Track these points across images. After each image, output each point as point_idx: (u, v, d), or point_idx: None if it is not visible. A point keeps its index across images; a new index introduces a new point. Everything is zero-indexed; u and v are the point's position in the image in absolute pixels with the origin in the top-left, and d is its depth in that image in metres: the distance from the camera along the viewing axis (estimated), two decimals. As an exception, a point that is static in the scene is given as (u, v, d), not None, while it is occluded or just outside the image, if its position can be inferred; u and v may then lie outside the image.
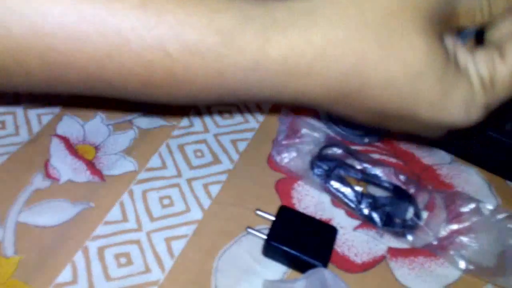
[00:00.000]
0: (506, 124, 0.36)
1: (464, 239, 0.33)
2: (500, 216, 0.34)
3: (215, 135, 0.42)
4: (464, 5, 0.21)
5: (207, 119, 0.43)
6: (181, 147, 0.40)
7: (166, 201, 0.36)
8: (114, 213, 0.34)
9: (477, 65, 0.21)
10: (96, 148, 0.38)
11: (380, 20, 0.19)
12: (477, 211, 0.34)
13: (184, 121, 0.43)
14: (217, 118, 0.44)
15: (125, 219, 0.34)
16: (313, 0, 0.21)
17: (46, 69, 0.21)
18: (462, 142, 0.39)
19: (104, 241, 0.33)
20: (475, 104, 0.21)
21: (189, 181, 0.38)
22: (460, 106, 0.21)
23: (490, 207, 0.34)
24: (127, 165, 0.38)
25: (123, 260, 0.32)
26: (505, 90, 0.21)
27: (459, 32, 0.22)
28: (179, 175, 0.38)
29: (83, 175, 0.36)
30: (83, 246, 0.32)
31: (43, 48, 0.20)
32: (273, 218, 0.34)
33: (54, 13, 0.19)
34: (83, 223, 0.33)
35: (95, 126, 0.40)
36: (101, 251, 0.32)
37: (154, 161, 0.38)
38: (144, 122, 0.41)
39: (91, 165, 0.37)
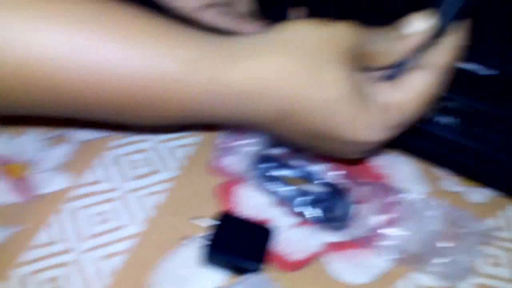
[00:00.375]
0: (433, 116, 0.37)
1: (391, 229, 0.33)
2: (421, 205, 0.34)
3: (155, 143, 0.41)
4: (370, 48, 0.26)
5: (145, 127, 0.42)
6: (117, 159, 0.39)
7: (99, 218, 0.35)
8: (42, 236, 0.33)
9: (378, 94, 0.26)
10: (27, 165, 0.37)
11: (310, 52, 0.24)
12: (402, 201, 0.35)
13: (120, 133, 0.42)
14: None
15: (53, 241, 0.33)
16: (261, 37, 0.25)
17: (27, 94, 0.23)
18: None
19: (29, 268, 0.31)
20: (377, 125, 0.26)
21: (125, 194, 0.36)
22: (366, 127, 0.25)
23: (414, 196, 0.35)
24: (60, 181, 0.36)
25: (50, 287, 0.31)
26: (399, 112, 0.26)
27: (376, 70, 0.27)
28: (114, 189, 0.37)
29: (8, 196, 0.34)
30: (5, 276, 0.31)
31: (27, 74, 0.22)
32: (209, 225, 0.33)
33: (49, 44, 0.22)
34: (7, 249, 0.32)
35: (25, 141, 0.38)
36: (24, 279, 0.31)
37: (89, 176, 0.37)
38: (80, 134, 0.40)
39: (18, 185, 0.35)
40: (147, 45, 0.23)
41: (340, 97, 0.24)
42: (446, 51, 0.25)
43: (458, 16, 0.25)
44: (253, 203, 0.37)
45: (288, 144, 0.30)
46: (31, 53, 0.22)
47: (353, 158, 0.29)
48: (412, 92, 0.25)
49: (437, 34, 0.25)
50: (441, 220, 0.33)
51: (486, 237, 0.34)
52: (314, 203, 0.35)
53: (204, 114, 0.26)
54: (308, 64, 0.24)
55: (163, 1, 0.38)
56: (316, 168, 0.38)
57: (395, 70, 0.26)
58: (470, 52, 0.29)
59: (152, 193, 0.37)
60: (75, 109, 0.25)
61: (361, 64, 0.26)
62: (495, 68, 0.38)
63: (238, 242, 0.32)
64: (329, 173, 0.37)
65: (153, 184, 0.37)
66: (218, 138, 0.40)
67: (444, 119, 0.37)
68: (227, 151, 0.39)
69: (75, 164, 0.37)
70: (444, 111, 0.37)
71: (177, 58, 0.24)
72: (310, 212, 0.35)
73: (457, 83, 0.29)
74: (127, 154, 0.39)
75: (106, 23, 0.23)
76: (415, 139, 0.38)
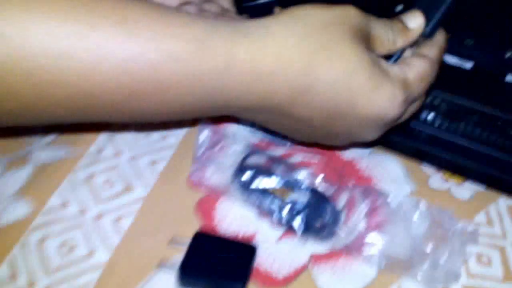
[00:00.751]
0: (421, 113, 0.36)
1: (376, 234, 0.31)
2: (408, 207, 0.33)
3: (129, 159, 0.38)
4: (375, 33, 0.27)
5: (119, 141, 0.39)
6: (87, 179, 0.36)
7: (66, 247, 0.32)
8: (2, 272, 0.30)
9: (396, 71, 0.27)
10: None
11: (318, 31, 0.25)
12: (389, 204, 0.33)
13: (92, 147, 0.39)
14: (131, 138, 0.39)
15: (14, 277, 0.30)
16: (272, 18, 0.25)
17: (33, 89, 0.22)
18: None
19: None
20: (398, 98, 0.26)
21: (95, 218, 0.34)
22: (387, 99, 0.26)
23: (401, 198, 0.34)
24: (20, 209, 0.33)
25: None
26: (416, 88, 0.27)
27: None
28: (83, 213, 0.34)
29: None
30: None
31: (29, 68, 0.21)
32: (187, 246, 0.30)
33: (40, 32, 0.21)
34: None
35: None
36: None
37: (54, 201, 0.34)
38: (43, 154, 0.37)
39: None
40: (153, 24, 0.23)
41: (357, 69, 0.25)
42: (437, 46, 0.28)
43: (446, 16, 0.28)
44: (236, 217, 0.34)
45: (292, 138, 0.30)
46: (30, 46, 0.21)
47: (363, 140, 0.30)
48: (417, 74, 0.27)
49: (431, 31, 0.28)
50: (429, 223, 0.32)
51: (474, 237, 0.32)
52: (300, 212, 0.33)
53: (215, 100, 0.25)
54: (323, 39, 0.24)
55: None
56: (300, 174, 0.35)
57: (393, 59, 0.29)
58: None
59: (125, 214, 0.34)
60: (84, 103, 0.23)
61: (367, 45, 0.26)
62: (470, 60, 0.37)
63: (217, 263, 0.30)
64: (314, 179, 0.35)
65: (128, 204, 0.35)
66: (196, 149, 0.37)
67: (425, 115, 0.36)
68: (205, 162, 0.36)
69: (40, 188, 0.35)
70: (426, 107, 0.36)
71: (188, 36, 0.23)
72: (296, 222, 0.33)
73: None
74: (98, 172, 0.36)
75: (106, 10, 0.22)
76: (400, 136, 0.36)
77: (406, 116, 0.30)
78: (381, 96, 0.25)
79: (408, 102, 0.27)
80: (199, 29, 0.23)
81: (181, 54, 0.23)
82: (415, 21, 0.28)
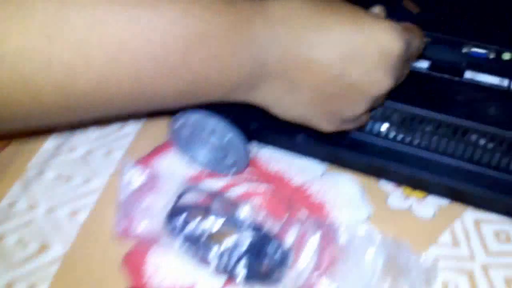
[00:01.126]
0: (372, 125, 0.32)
1: (327, 277, 0.27)
2: (359, 243, 0.29)
3: (46, 211, 0.33)
4: None
5: (35, 190, 0.34)
6: (-6, 241, 0.30)
7: None
8: None
9: None
10: None
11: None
12: (339, 238, 0.29)
13: (4, 201, 0.33)
14: (49, 185, 0.34)
15: None
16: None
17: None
18: (331, 147, 0.33)
19: None
20: (397, 27, 0.25)
21: (5, 283, 0.28)
22: (389, 26, 0.25)
23: (354, 229, 0.29)
24: None
25: None
26: (407, 32, 0.26)
27: None
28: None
29: None
30: None
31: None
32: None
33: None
34: None
35: None
36: None
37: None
38: None
39: None
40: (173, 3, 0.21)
41: (360, 11, 0.25)
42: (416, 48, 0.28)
43: None
44: (170, 269, 0.29)
45: (283, 115, 0.27)
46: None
47: (354, 117, 0.27)
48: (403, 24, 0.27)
49: None
50: (384, 260, 0.28)
51: (434, 271, 0.29)
52: (242, 257, 0.28)
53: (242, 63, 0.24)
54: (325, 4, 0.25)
55: None
56: (243, 210, 0.30)
57: None
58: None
59: (40, 279, 0.29)
60: (110, 92, 0.21)
61: None
62: (426, 59, 0.34)
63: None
64: (258, 214, 0.30)
65: (42, 266, 0.29)
66: (120, 193, 0.32)
67: (378, 127, 0.32)
68: (133, 208, 0.31)
69: None
70: (378, 118, 0.32)
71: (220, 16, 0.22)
72: (239, 269, 0.28)
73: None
74: (8, 232, 0.31)
75: None
76: (354, 152, 0.32)
77: (406, 71, 0.28)
78: (382, 25, 0.25)
79: (407, 42, 0.26)
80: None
81: (209, 33, 0.22)
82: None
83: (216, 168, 0.35)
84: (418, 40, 0.27)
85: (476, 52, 0.34)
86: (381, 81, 0.25)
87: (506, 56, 0.33)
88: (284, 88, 0.25)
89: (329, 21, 0.24)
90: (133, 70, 0.21)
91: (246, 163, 0.34)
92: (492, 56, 0.34)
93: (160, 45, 0.21)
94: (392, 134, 0.32)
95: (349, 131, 0.32)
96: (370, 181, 0.34)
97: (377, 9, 0.28)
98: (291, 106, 0.26)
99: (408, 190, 0.34)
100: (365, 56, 0.24)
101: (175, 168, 0.35)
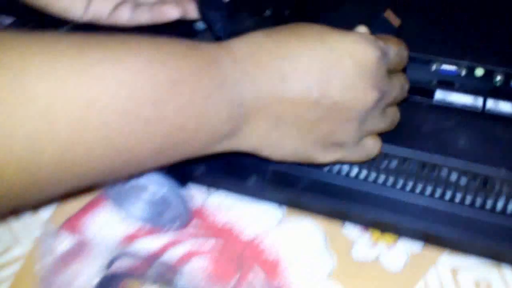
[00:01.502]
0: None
1: None
2: None
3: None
4: None
5: None
6: None
7: None
8: None
9: None
10: None
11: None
12: None
13: None
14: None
15: None
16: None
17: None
18: (288, 190, 0.29)
19: None
20: (369, 37, 0.24)
21: None
22: (358, 36, 0.24)
23: None
24: None
25: None
26: (385, 44, 0.25)
27: None
28: None
29: None
30: None
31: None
32: None
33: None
34: None
35: None
36: None
37: None
38: None
39: None
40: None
41: (323, 27, 0.24)
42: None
43: None
44: None
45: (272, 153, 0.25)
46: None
47: (363, 104, 0.24)
48: (382, 37, 0.26)
49: None
50: None
51: None
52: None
53: (231, 104, 0.23)
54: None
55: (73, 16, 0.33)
56: (184, 275, 0.26)
57: None
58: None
59: None
60: (112, 161, 0.20)
61: None
62: None
63: None
64: (202, 278, 0.26)
65: None
66: (40, 264, 0.27)
67: (340, 164, 0.28)
68: (55, 281, 0.26)
69: None
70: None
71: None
72: None
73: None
74: None
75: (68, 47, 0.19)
76: (315, 193, 0.28)
77: (397, 82, 0.26)
78: (352, 37, 0.24)
79: (382, 49, 0.24)
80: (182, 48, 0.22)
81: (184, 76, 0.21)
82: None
83: (156, 223, 0.30)
84: (395, 48, 0.25)
85: (446, 70, 0.31)
86: (363, 93, 0.24)
87: (479, 72, 0.30)
88: (268, 126, 0.24)
89: (297, 47, 0.23)
90: (103, 129, 0.19)
91: (188, 217, 0.29)
92: (464, 73, 0.30)
93: (129, 99, 0.20)
94: (354, 172, 0.28)
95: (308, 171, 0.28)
96: (333, 225, 0.30)
97: (361, 30, 0.26)
98: (280, 143, 0.25)
99: (376, 234, 0.30)
100: (340, 72, 0.23)
101: (108, 227, 0.30)
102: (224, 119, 0.22)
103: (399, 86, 0.26)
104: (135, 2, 0.34)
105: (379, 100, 0.24)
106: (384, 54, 0.24)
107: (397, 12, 0.29)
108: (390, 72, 0.25)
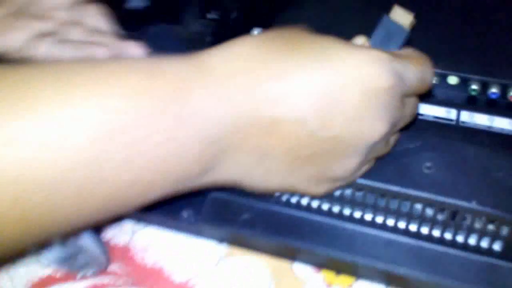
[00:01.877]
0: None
1: None
2: None
3: None
4: None
5: None
6: None
7: None
8: None
9: None
10: None
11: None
12: None
13: None
14: None
15: None
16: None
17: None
18: (228, 224, 0.25)
19: None
20: (382, 57, 0.20)
21: None
22: (369, 57, 0.20)
23: None
24: None
25: None
26: (404, 61, 0.21)
27: None
28: None
29: None
30: None
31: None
32: None
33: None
34: None
35: None
36: None
37: None
38: None
39: None
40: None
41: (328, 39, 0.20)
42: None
43: None
44: None
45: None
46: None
47: (368, 140, 0.20)
48: (402, 53, 0.23)
49: None
50: None
51: None
52: None
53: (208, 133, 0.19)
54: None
55: None
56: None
57: None
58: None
59: None
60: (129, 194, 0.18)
61: None
62: None
63: None
64: None
65: None
66: None
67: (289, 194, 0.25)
68: None
69: None
70: None
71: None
72: None
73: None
74: None
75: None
76: (260, 227, 0.24)
77: (410, 110, 0.22)
78: (361, 55, 0.19)
79: (399, 73, 0.20)
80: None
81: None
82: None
83: (69, 267, 0.25)
84: (415, 68, 0.21)
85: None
86: (370, 127, 0.20)
87: (452, 80, 0.27)
88: (251, 159, 0.20)
89: (292, 63, 0.19)
90: (77, 177, 0.17)
91: (106, 260, 0.24)
92: (436, 81, 0.27)
93: (65, 158, 0.17)
94: (305, 202, 0.24)
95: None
96: (282, 264, 0.26)
97: (361, 40, 0.22)
98: (265, 178, 0.21)
99: (330, 275, 0.25)
100: (345, 101, 0.19)
101: (16, 269, 0.25)
102: (195, 158, 0.19)
103: (410, 115, 0.22)
104: (60, 37, 0.30)
105: (387, 134, 0.20)
106: (400, 79, 0.20)
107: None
108: (406, 96, 0.21)
